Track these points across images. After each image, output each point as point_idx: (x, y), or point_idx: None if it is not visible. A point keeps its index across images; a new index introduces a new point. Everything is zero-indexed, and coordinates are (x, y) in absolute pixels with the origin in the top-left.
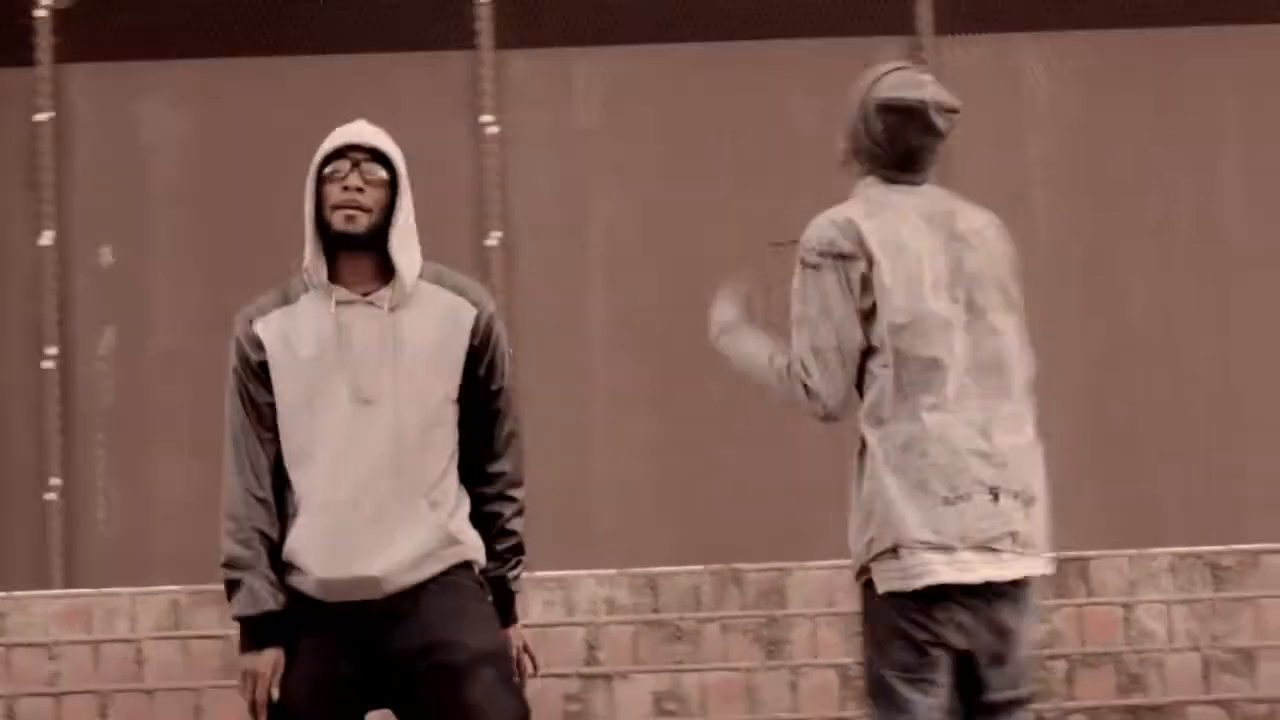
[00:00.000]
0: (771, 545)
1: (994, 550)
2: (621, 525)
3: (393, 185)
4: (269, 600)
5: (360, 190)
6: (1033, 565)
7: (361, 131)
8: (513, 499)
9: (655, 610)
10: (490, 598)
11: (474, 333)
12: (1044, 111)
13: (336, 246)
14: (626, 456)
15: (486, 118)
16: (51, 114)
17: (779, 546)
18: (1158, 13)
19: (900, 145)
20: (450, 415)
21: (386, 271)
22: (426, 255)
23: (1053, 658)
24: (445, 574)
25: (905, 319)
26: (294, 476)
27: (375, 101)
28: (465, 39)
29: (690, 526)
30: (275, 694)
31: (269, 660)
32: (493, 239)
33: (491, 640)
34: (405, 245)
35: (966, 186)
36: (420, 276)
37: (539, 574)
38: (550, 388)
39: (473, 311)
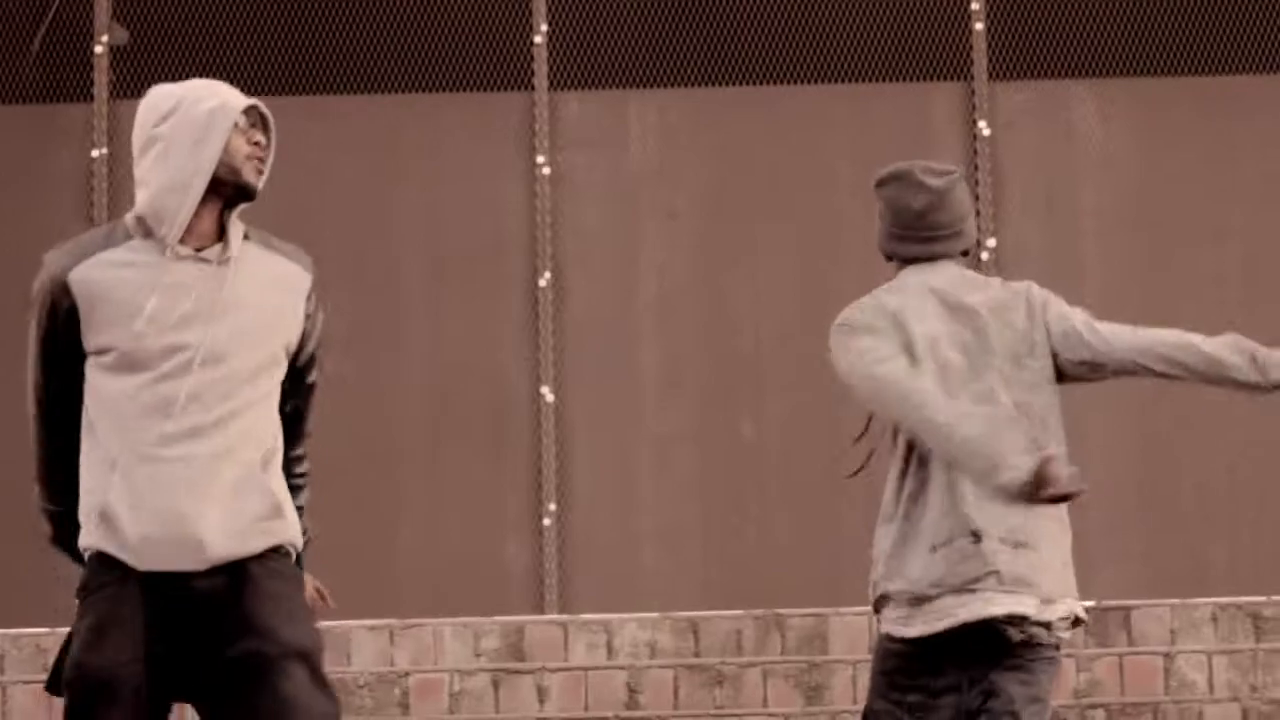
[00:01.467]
0: (813, 591)
1: None
2: (664, 569)
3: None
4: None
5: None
6: None
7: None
8: (306, 470)
9: (696, 654)
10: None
11: (309, 298)
12: (1097, 159)
13: (229, 201)
14: (671, 499)
15: (539, 158)
16: (106, 150)
17: (820, 592)
18: (1213, 61)
19: (903, 213)
20: (279, 375)
21: (219, 230)
22: (479, 293)
23: (1092, 706)
24: (267, 557)
25: None
26: (112, 426)
27: (429, 141)
28: (520, 80)
29: (733, 571)
30: None
31: None
32: (543, 279)
33: (308, 637)
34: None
35: (1018, 234)
36: (245, 237)
37: (582, 616)
38: (597, 429)
39: (308, 278)
